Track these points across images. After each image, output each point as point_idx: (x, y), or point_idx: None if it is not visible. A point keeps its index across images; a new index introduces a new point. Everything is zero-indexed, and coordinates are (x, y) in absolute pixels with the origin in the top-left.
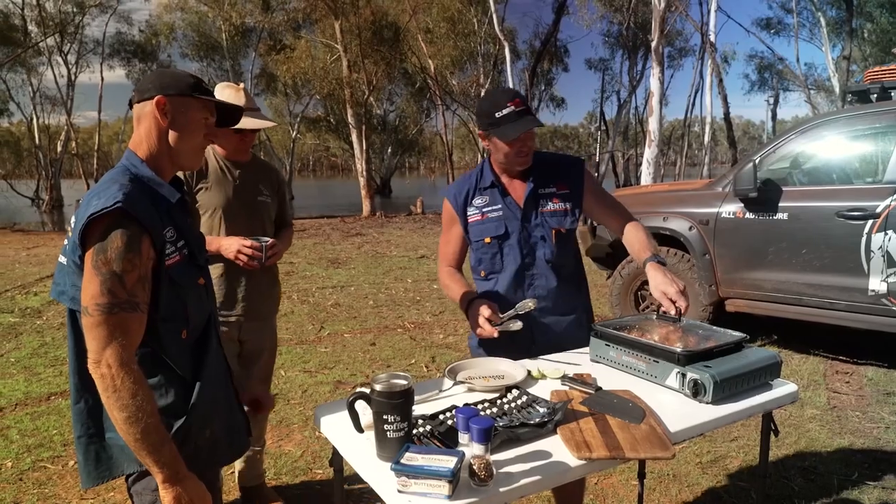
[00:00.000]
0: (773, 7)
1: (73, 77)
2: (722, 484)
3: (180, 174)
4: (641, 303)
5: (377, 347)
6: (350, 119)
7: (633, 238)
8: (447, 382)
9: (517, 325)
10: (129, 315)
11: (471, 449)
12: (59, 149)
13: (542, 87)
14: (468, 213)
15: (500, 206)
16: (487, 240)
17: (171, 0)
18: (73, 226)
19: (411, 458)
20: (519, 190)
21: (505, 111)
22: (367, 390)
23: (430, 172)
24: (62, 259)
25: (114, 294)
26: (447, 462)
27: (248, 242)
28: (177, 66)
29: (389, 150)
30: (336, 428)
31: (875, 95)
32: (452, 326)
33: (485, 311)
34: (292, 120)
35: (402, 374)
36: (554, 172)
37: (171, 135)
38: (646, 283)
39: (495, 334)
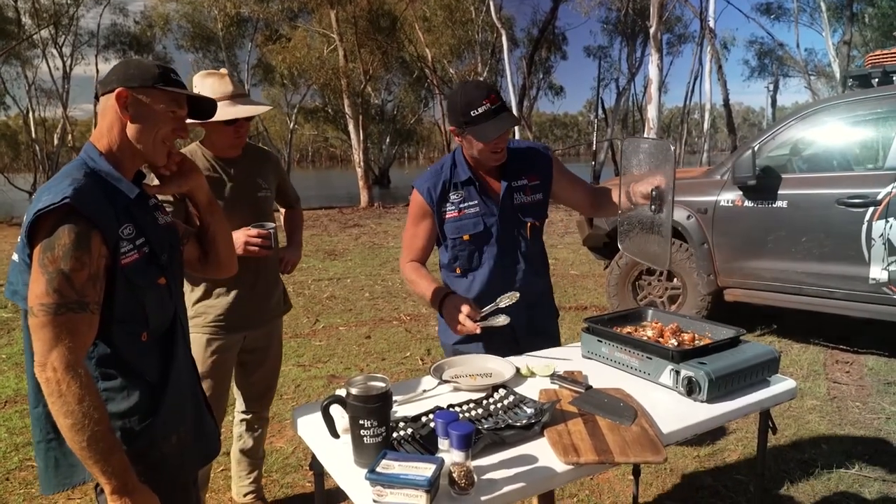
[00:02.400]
0: None
1: (68, 69)
2: (720, 478)
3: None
4: (639, 293)
5: (372, 340)
6: (347, 109)
7: (614, 194)
8: (432, 381)
9: (502, 320)
10: (76, 316)
11: (450, 455)
12: (55, 142)
13: (541, 75)
14: (444, 209)
15: (476, 202)
16: (466, 237)
17: None
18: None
19: (387, 466)
20: (494, 185)
21: (481, 109)
22: (344, 393)
23: (430, 162)
24: (15, 257)
25: (61, 294)
26: (425, 470)
27: (254, 232)
28: (172, 59)
29: (388, 140)
30: (314, 431)
31: (876, 80)
32: None
33: (464, 307)
34: (290, 111)
35: (379, 375)
36: (524, 164)
37: (132, 128)
38: (644, 272)
39: (478, 330)
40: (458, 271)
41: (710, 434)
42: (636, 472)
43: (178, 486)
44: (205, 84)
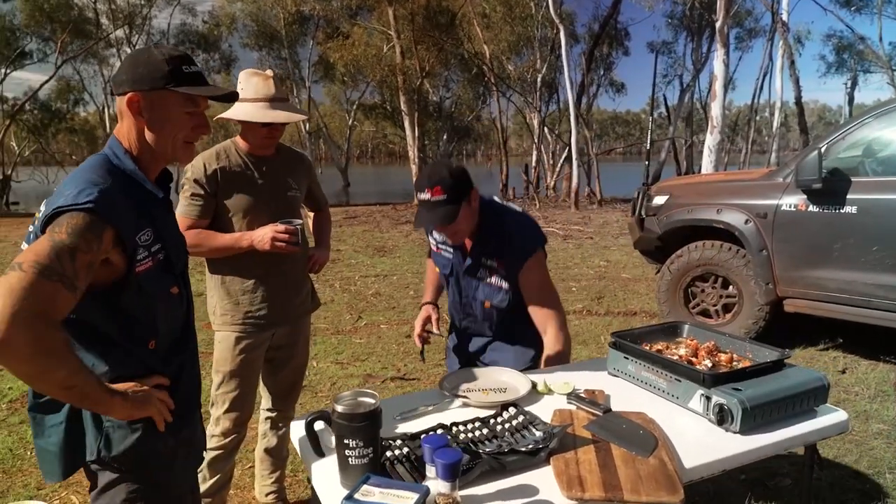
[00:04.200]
0: None
1: None
2: None
3: (201, 174)
4: (692, 300)
5: (412, 340)
6: (403, 106)
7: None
8: (440, 395)
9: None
10: (63, 290)
11: (437, 484)
12: None
13: (601, 72)
14: (431, 238)
15: (452, 250)
16: (436, 270)
17: None
18: (40, 212)
19: (367, 493)
20: (468, 245)
21: (421, 196)
22: (331, 409)
23: (487, 160)
24: (24, 246)
25: (60, 262)
26: (407, 499)
27: (281, 227)
28: (238, 57)
29: (445, 137)
30: (307, 444)
31: None
32: None
33: (418, 321)
34: (349, 107)
35: (369, 391)
36: (498, 248)
37: (150, 134)
38: (697, 279)
39: (418, 343)
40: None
41: None
42: None
43: (172, 494)
44: (249, 82)
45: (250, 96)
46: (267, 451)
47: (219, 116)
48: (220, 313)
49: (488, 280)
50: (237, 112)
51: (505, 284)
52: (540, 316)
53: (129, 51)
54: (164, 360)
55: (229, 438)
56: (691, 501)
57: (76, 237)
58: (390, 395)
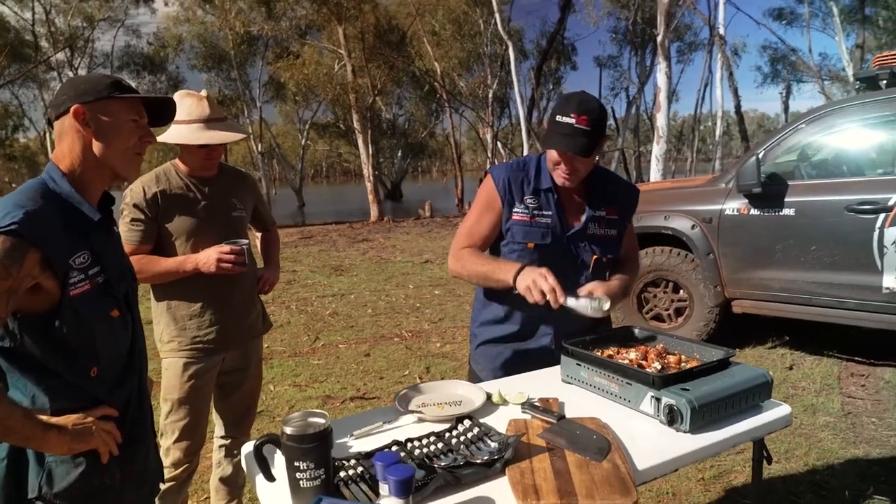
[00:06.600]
0: None
1: None
2: (725, 502)
3: (140, 198)
4: (645, 305)
5: (371, 359)
6: (356, 124)
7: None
8: (395, 412)
9: (588, 309)
10: None
11: (390, 502)
12: None
13: (551, 86)
14: (515, 209)
15: (551, 213)
16: (531, 245)
17: (177, 12)
18: None
19: None
20: (573, 203)
21: (564, 120)
22: (280, 432)
23: (442, 175)
24: None
25: None
26: None
27: (227, 248)
28: (185, 78)
29: (399, 154)
30: (258, 470)
31: (884, 81)
32: (451, 334)
33: (550, 276)
34: (302, 126)
35: (319, 412)
36: (609, 195)
37: (98, 145)
38: (649, 284)
39: (561, 301)
40: None
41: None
42: None
43: None
44: (182, 104)
45: (184, 118)
46: (222, 480)
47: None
48: (166, 340)
49: (600, 233)
50: (172, 135)
51: (614, 233)
52: (631, 257)
53: (71, 74)
54: (110, 389)
55: (181, 469)
56: (653, 503)
57: None
58: (350, 415)
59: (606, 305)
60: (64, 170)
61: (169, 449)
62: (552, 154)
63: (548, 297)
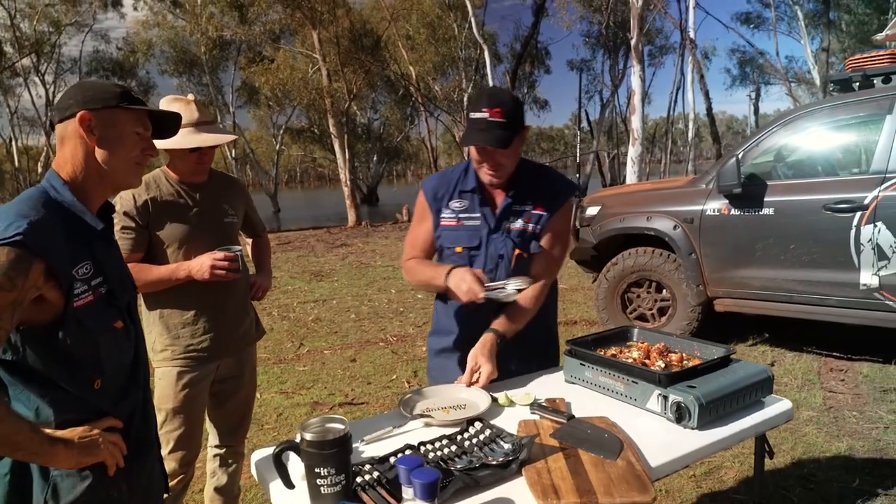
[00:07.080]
0: (752, 1)
1: (51, 97)
2: (718, 499)
3: (130, 205)
4: (629, 306)
5: (357, 364)
6: (332, 128)
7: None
8: (402, 416)
9: (508, 294)
10: None
11: None
12: (39, 170)
13: (525, 90)
14: (442, 215)
15: (478, 214)
16: (459, 249)
17: (147, 17)
18: None
19: None
20: (498, 199)
21: (477, 115)
22: (299, 438)
23: (418, 179)
24: None
25: None
26: None
27: (220, 255)
28: (156, 83)
29: (375, 159)
30: (272, 476)
31: (857, 84)
32: None
33: (469, 275)
34: (276, 131)
35: (337, 417)
36: (538, 191)
37: (101, 153)
38: (633, 285)
39: (481, 296)
40: None
41: None
42: None
43: None
44: (171, 108)
45: None
46: (217, 490)
47: None
48: (159, 349)
49: (521, 227)
50: (163, 141)
51: (538, 228)
52: (540, 264)
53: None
54: (114, 400)
55: (176, 480)
56: None
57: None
58: (354, 420)
59: (512, 285)
60: (65, 178)
61: (164, 460)
62: (473, 152)
63: (472, 294)
